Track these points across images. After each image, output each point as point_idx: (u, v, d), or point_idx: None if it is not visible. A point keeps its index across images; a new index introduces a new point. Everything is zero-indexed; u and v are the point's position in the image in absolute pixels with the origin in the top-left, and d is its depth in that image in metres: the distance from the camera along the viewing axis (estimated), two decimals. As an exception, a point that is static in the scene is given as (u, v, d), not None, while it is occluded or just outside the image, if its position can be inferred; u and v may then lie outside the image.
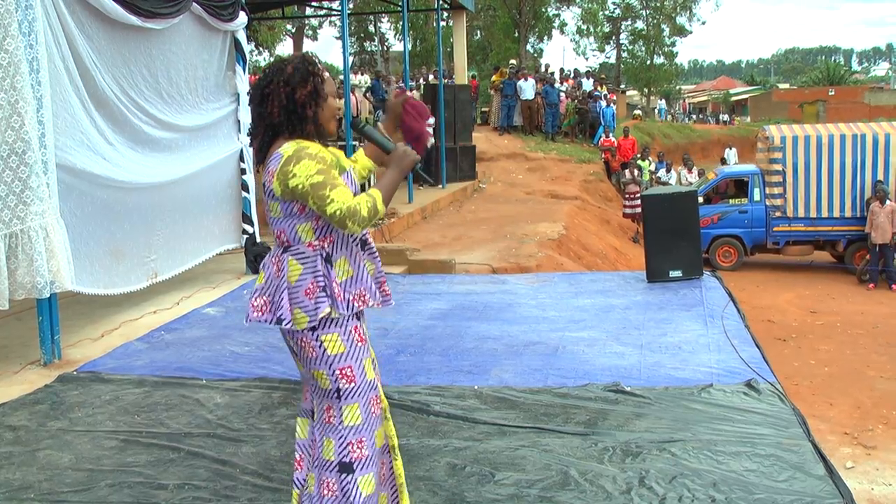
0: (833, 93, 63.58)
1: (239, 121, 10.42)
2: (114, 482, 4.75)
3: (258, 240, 10.68)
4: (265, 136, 3.55)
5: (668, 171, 25.50)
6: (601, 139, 29.30)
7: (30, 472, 4.93)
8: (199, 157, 9.65)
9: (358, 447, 3.54)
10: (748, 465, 4.71)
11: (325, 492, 3.56)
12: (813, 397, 12.21)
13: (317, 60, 3.60)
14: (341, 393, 3.54)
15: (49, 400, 6.22)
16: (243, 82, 10.45)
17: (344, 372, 3.53)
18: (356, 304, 3.54)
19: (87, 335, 8.05)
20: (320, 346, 3.51)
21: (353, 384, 3.54)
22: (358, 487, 3.52)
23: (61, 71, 7.11)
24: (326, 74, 3.59)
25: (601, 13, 61.93)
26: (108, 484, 4.73)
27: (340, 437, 3.55)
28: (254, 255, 10.48)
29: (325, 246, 3.51)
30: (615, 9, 62.92)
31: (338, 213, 3.34)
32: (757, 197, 21.87)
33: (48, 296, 6.96)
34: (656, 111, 54.84)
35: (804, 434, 5.13)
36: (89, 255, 7.81)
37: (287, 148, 3.44)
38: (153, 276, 8.96)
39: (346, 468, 3.53)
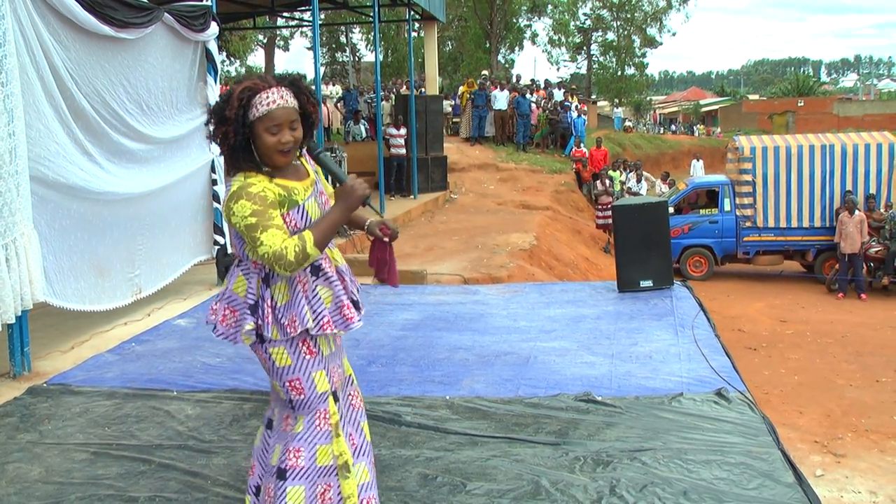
0: (802, 104, 64.11)
1: (210, 131, 10.37)
2: (84, 495, 4.72)
3: (229, 251, 10.64)
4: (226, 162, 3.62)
5: (639, 181, 25.63)
6: (573, 150, 29.40)
7: (-1, 485, 4.90)
8: (174, 168, 9.62)
9: (294, 456, 3.62)
10: (718, 473, 4.74)
11: (265, 497, 3.66)
12: (783, 406, 12.29)
13: (238, 95, 3.46)
14: (294, 404, 3.64)
15: (18, 412, 6.16)
16: (214, 93, 10.41)
17: (293, 384, 3.62)
18: (289, 330, 3.56)
19: (56, 347, 7.99)
20: (270, 359, 3.63)
21: (302, 396, 3.63)
22: (285, 496, 3.59)
23: (34, 81, 7.06)
24: (269, 108, 3.46)
25: (572, 24, 62.27)
26: (78, 497, 4.70)
27: (285, 444, 3.64)
28: (225, 266, 10.44)
29: (266, 267, 3.56)
30: (586, 20, 63.29)
31: (265, 256, 3.37)
32: (727, 207, 22.03)
33: (30, 307, 6.91)
34: (613, 120, 54.76)
35: (774, 442, 5.16)
36: (73, 271, 7.78)
37: (234, 183, 3.48)
38: (137, 292, 8.95)
39: (280, 474, 3.62)
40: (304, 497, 3.62)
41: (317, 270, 3.63)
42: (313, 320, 3.58)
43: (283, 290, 3.58)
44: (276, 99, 3.48)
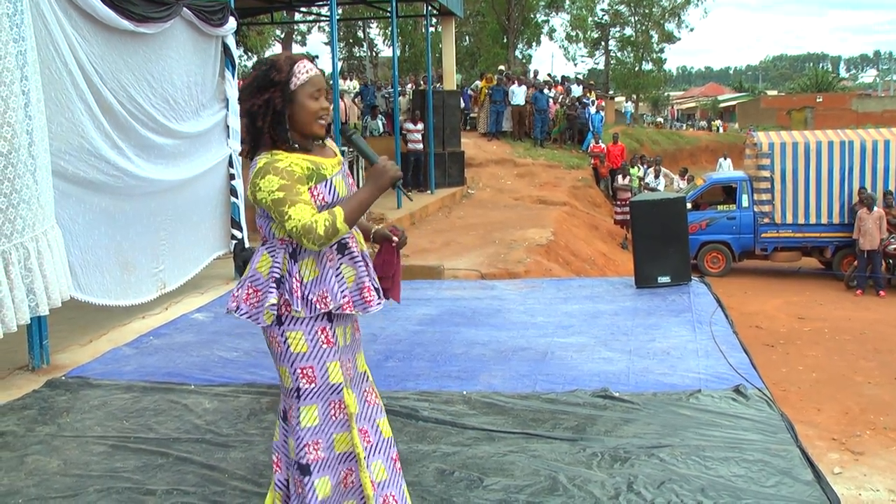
0: (821, 99, 63.80)
1: (228, 126, 10.41)
2: (102, 488, 4.74)
3: (246, 245, 10.66)
4: (250, 143, 3.58)
5: (657, 176, 25.52)
6: (591, 145, 29.34)
7: (18, 477, 4.92)
8: (196, 163, 9.68)
9: (314, 449, 3.59)
10: (736, 470, 4.72)
11: (295, 489, 3.65)
12: (801, 403, 12.24)
13: (284, 62, 3.52)
14: (301, 393, 3.59)
15: (37, 405, 6.20)
16: (232, 88, 10.43)
17: (305, 372, 3.58)
18: (318, 306, 3.54)
19: (75, 340, 8.03)
20: (285, 343, 3.57)
21: (313, 385, 3.58)
22: (314, 489, 3.58)
23: (62, 76, 7.10)
24: (309, 74, 3.52)
25: (590, 19, 62.14)
26: (96, 489, 4.72)
27: (298, 438, 3.60)
28: (242, 261, 10.46)
29: (293, 243, 3.54)
30: (604, 15, 63.14)
31: (294, 230, 3.36)
32: (745, 203, 21.92)
33: (59, 304, 6.91)
34: (624, 113, 54.32)
35: (792, 439, 5.14)
36: (99, 266, 7.83)
37: (261, 159, 3.47)
38: (162, 287, 9.00)
39: (304, 470, 3.59)
40: (331, 485, 3.61)
41: (343, 248, 3.61)
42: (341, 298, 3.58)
43: (311, 266, 3.55)
44: (313, 67, 3.57)
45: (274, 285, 3.53)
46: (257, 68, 3.56)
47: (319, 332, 3.58)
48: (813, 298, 19.79)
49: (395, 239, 3.89)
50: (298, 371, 3.57)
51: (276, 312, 3.53)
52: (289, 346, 3.56)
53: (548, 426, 5.50)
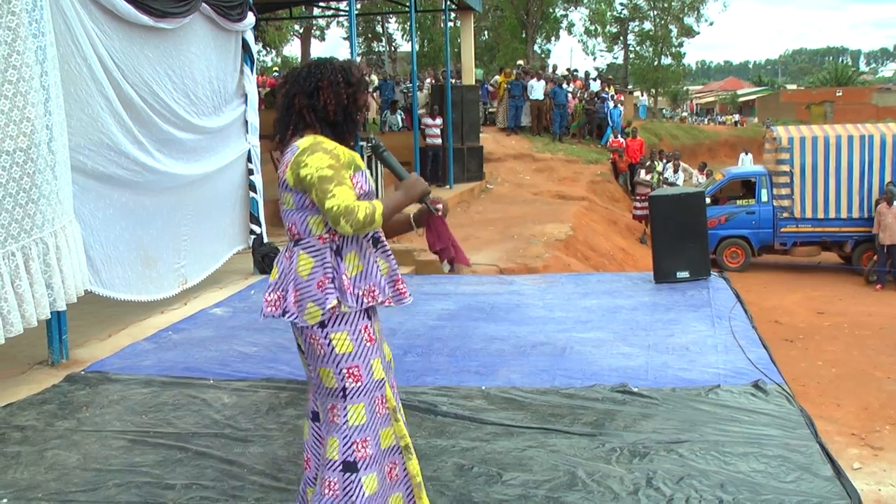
0: (840, 94, 63.51)
1: (247, 121, 10.43)
2: (121, 482, 4.76)
3: (265, 240, 10.69)
4: (296, 127, 3.63)
5: (675, 171, 25.42)
6: (610, 139, 29.27)
7: (37, 471, 4.94)
8: (217, 158, 9.72)
9: (363, 446, 3.57)
10: (756, 465, 4.70)
11: (327, 491, 3.58)
12: (820, 398, 12.20)
13: (359, 67, 3.71)
14: (347, 392, 3.57)
15: (57, 400, 6.22)
16: (251, 83, 10.46)
17: (351, 371, 3.56)
18: (365, 300, 3.57)
19: (94, 335, 8.05)
20: (329, 344, 3.55)
21: (359, 383, 3.57)
22: (361, 486, 3.55)
23: (81, 71, 7.13)
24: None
25: (609, 14, 61.95)
26: (115, 484, 4.74)
27: (345, 437, 3.57)
28: (261, 256, 10.49)
29: (336, 239, 3.56)
30: (623, 9, 62.94)
31: (335, 208, 3.37)
32: (764, 198, 21.82)
33: (75, 299, 6.94)
34: (638, 108, 53.92)
35: (812, 435, 5.12)
36: (120, 260, 7.87)
37: (304, 140, 3.53)
38: (183, 283, 9.04)
39: (350, 467, 3.55)
40: (377, 481, 3.60)
41: (376, 242, 3.65)
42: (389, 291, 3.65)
43: (356, 261, 3.58)
44: None
45: (332, 286, 3.52)
46: (351, 65, 3.69)
47: (363, 331, 3.59)
48: (832, 293, 19.71)
49: (439, 207, 3.91)
50: (344, 371, 3.56)
51: (328, 316, 3.52)
52: (333, 348, 3.55)
53: (567, 421, 5.49)
